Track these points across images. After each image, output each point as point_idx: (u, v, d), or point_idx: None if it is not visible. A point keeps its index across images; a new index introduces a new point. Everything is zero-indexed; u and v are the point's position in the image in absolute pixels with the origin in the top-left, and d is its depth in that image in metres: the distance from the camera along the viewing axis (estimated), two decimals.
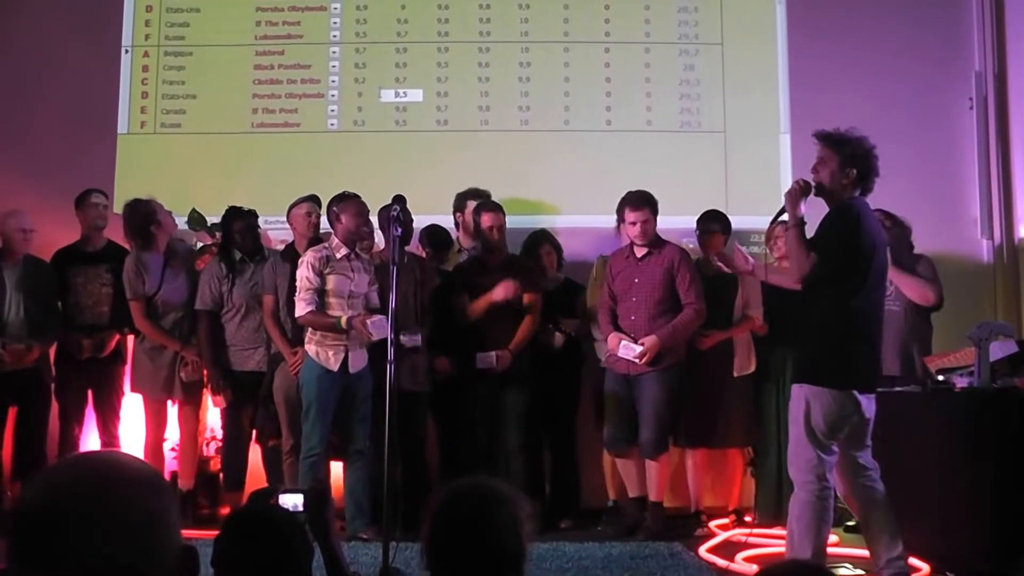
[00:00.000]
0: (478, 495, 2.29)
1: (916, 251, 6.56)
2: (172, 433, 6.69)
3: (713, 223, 6.57)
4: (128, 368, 6.66)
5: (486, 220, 6.44)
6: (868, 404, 4.53)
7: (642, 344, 6.01)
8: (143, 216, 6.55)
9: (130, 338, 6.68)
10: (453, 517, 2.26)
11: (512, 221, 6.81)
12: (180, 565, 1.39)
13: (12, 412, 6.41)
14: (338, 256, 6.01)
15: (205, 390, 6.62)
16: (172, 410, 6.64)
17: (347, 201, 6.09)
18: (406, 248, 6.30)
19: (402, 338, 5.93)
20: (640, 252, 6.23)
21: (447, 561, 2.23)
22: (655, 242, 6.26)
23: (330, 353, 5.95)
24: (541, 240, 6.80)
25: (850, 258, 4.55)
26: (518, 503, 2.28)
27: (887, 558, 4.49)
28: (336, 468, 6.49)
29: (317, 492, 2.81)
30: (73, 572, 1.31)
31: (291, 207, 6.59)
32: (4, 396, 6.34)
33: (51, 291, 6.52)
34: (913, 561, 4.94)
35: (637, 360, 5.99)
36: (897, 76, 7.52)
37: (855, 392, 4.48)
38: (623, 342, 6.04)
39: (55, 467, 1.46)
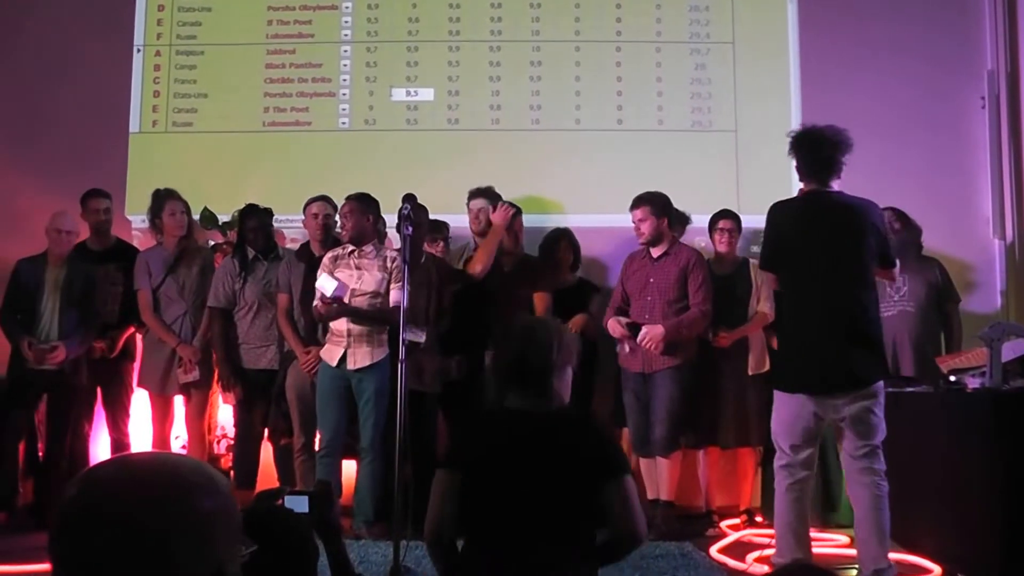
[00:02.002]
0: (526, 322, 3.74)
1: (927, 253, 6.55)
2: (184, 430, 6.71)
3: (725, 222, 6.58)
4: (137, 364, 6.71)
5: (517, 224, 6.55)
6: (823, 405, 4.54)
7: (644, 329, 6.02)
8: (152, 207, 6.70)
9: (139, 335, 6.72)
10: (513, 333, 3.34)
11: (523, 220, 6.86)
12: None
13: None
14: (345, 254, 6.05)
15: (216, 387, 6.65)
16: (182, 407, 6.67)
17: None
18: (424, 249, 6.33)
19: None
20: (656, 252, 6.24)
21: (505, 372, 3.26)
22: (672, 243, 6.27)
23: (332, 349, 5.99)
24: (559, 238, 6.80)
25: (767, 260, 4.66)
26: (558, 329, 3.38)
27: (873, 568, 4.46)
28: (349, 466, 6.51)
29: (322, 493, 2.81)
30: (108, 572, 1.29)
31: (305, 207, 6.62)
32: (31, 394, 6.37)
33: (88, 293, 6.50)
34: (924, 563, 4.95)
35: (635, 343, 6.00)
36: (909, 75, 7.51)
37: (802, 394, 4.55)
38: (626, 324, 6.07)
39: (99, 466, 1.42)
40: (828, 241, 4.58)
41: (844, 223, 4.60)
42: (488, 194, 6.75)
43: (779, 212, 4.73)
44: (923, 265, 6.43)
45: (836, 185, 4.69)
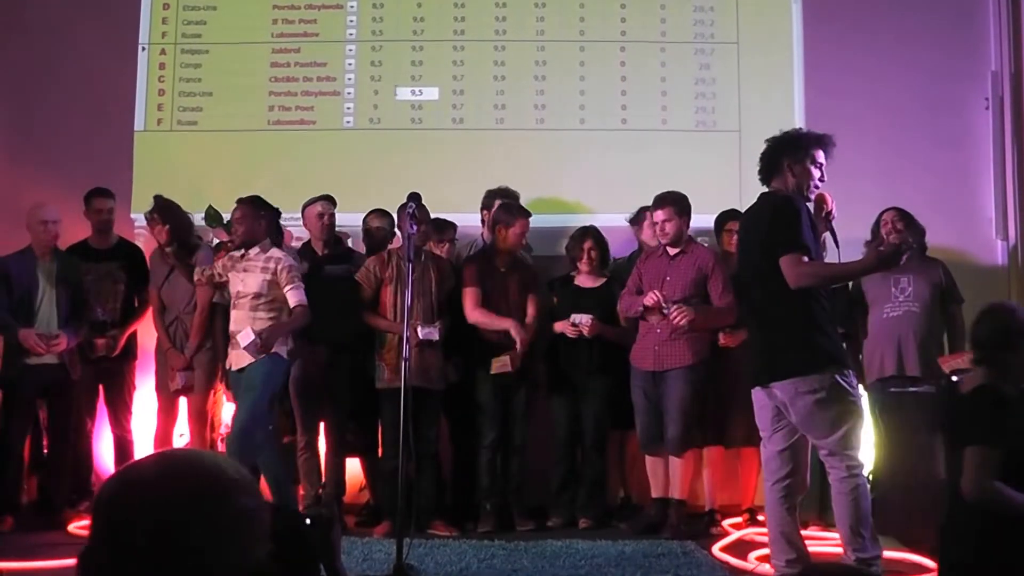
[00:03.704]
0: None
1: (930, 253, 6.55)
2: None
3: (734, 223, 6.57)
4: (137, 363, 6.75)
5: (521, 227, 6.43)
6: (772, 396, 4.55)
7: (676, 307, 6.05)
8: (147, 214, 6.63)
9: (142, 334, 6.74)
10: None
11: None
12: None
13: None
14: (237, 257, 6.06)
15: (219, 385, 6.66)
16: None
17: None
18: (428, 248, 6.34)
19: (419, 331, 5.95)
20: (672, 251, 6.25)
21: None
22: (687, 242, 6.27)
23: (231, 354, 5.99)
24: (584, 235, 6.66)
25: None
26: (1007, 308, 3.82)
27: (855, 556, 4.44)
28: (352, 464, 6.54)
29: (323, 516, 2.84)
30: (145, 567, 1.30)
31: (304, 207, 6.62)
32: (31, 390, 6.33)
33: (79, 283, 6.49)
34: (925, 561, 4.95)
35: (666, 310, 6.03)
36: (913, 75, 7.52)
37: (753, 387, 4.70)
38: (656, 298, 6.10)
39: (137, 463, 1.43)
40: (745, 240, 4.77)
41: (755, 220, 4.67)
42: (508, 194, 6.75)
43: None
44: (927, 266, 6.42)
45: (789, 183, 4.68)
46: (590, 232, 6.67)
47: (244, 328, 5.75)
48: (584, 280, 6.61)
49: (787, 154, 4.67)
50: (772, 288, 4.47)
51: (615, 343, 6.46)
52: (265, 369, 5.82)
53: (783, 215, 4.48)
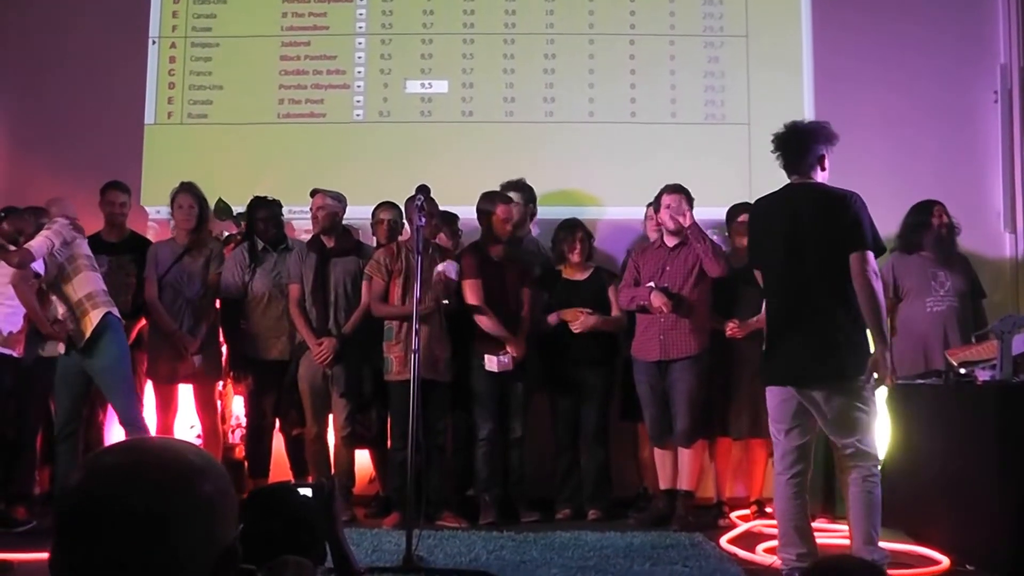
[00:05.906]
0: None
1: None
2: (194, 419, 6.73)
3: (744, 215, 6.56)
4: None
5: (501, 212, 6.41)
6: (803, 395, 4.51)
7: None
8: (172, 199, 6.67)
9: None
10: None
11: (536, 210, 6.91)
12: (218, 563, 1.37)
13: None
14: None
15: (227, 377, 6.68)
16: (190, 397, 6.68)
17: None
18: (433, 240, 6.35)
19: (439, 265, 5.99)
20: (672, 242, 6.25)
21: None
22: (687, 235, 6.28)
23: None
24: (570, 228, 6.73)
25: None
26: None
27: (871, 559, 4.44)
28: (362, 455, 6.56)
29: (325, 487, 2.86)
30: (113, 559, 1.30)
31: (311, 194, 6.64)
32: (46, 382, 6.28)
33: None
34: (933, 554, 4.96)
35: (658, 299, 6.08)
36: (922, 68, 7.52)
37: (771, 385, 4.64)
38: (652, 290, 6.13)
39: (101, 452, 1.42)
40: (790, 233, 4.57)
41: (810, 214, 4.54)
42: (520, 187, 6.76)
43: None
44: (959, 261, 6.44)
45: (819, 177, 4.62)
46: (579, 224, 6.73)
47: None
48: (572, 273, 6.64)
49: (824, 146, 4.62)
50: (830, 285, 4.45)
51: (611, 334, 6.56)
52: (112, 343, 5.90)
53: (861, 213, 4.45)
